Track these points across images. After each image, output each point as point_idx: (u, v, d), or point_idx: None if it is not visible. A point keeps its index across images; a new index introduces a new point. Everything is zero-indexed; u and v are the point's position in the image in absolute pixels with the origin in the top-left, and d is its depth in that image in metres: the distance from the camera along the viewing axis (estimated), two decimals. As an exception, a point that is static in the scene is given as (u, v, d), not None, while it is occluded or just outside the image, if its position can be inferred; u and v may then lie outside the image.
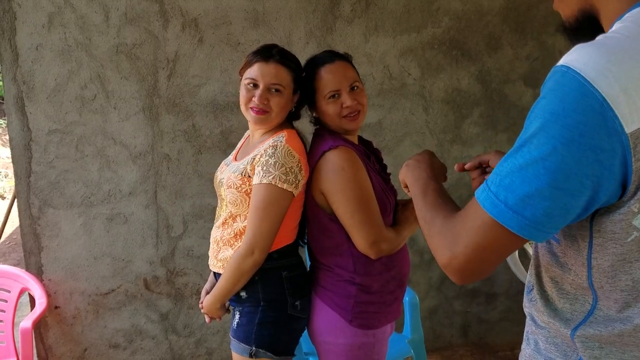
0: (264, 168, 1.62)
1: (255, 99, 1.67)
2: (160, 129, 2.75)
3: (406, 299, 2.48)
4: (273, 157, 1.62)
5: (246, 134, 1.95)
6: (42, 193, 2.70)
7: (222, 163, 1.88)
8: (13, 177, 3.01)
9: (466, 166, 1.30)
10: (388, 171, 1.91)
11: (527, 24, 3.01)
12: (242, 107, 1.73)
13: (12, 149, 2.68)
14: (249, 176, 1.67)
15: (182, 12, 2.70)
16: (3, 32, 2.58)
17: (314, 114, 1.78)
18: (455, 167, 1.34)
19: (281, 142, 1.65)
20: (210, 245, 1.83)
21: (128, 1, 2.65)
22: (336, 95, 1.70)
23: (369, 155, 1.83)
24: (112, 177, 2.74)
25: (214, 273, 1.83)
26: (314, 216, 1.74)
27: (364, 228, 1.63)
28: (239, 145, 1.91)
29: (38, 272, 2.74)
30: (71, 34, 2.64)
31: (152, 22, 2.68)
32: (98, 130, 2.71)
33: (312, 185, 1.70)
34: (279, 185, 1.61)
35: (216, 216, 1.84)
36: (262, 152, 1.66)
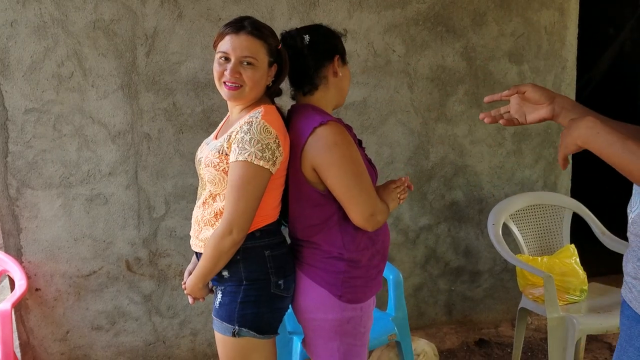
0: (240, 145, 1.58)
1: (227, 73, 1.62)
2: (140, 107, 2.69)
3: (390, 277, 2.48)
4: (248, 134, 1.58)
5: (229, 113, 1.91)
6: (20, 173, 2.64)
7: (203, 142, 1.83)
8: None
9: (503, 94, 1.41)
10: (363, 145, 1.89)
11: (512, 0, 2.98)
12: (216, 83, 1.68)
13: (-13, 129, 2.61)
14: (226, 154, 1.63)
15: (160, -14, 2.63)
16: (-25, 8, 2.50)
17: (339, 74, 1.74)
18: (486, 99, 1.48)
19: (257, 118, 1.60)
20: (192, 226, 1.79)
21: (104, -25, 2.57)
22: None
23: (350, 129, 1.80)
24: (91, 157, 2.69)
25: (196, 253, 1.81)
26: (302, 193, 1.71)
27: (362, 201, 1.63)
28: (220, 124, 1.87)
29: (17, 254, 2.69)
30: (47, 10, 2.56)
31: (130, -3, 2.61)
32: (76, 109, 2.65)
33: (301, 162, 1.66)
34: (254, 163, 1.56)
35: (197, 196, 1.80)
36: (238, 128, 1.61)
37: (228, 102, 1.74)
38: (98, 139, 2.68)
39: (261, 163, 1.57)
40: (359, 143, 1.82)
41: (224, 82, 1.64)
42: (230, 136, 1.63)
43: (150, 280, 2.84)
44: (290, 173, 1.70)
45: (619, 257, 2.55)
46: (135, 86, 2.68)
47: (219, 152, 1.65)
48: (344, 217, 1.70)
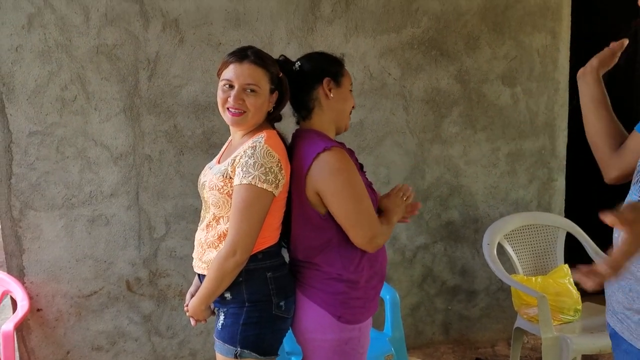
0: (244, 169, 1.64)
1: (230, 100, 1.68)
2: (142, 129, 2.75)
3: (387, 297, 2.51)
4: (252, 158, 1.63)
5: (230, 137, 1.96)
6: (23, 195, 2.69)
7: (206, 167, 1.88)
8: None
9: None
10: (364, 170, 1.94)
11: (504, 24, 3.06)
12: (220, 109, 1.74)
13: (-9, 151, 2.66)
14: (230, 177, 1.68)
15: (162, 12, 2.70)
16: (-19, 34, 2.57)
17: (330, 96, 1.77)
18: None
19: (260, 142, 1.66)
20: (195, 248, 1.83)
21: (108, 2, 2.64)
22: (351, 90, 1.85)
23: (352, 153, 1.86)
24: (93, 178, 2.73)
25: (199, 275, 1.84)
26: (304, 215, 1.76)
27: (363, 225, 1.69)
28: (222, 149, 1.92)
29: (20, 275, 2.72)
30: (51, 35, 2.63)
31: (133, 23, 2.68)
32: (79, 131, 2.70)
33: (305, 185, 1.71)
34: (258, 186, 1.62)
35: (201, 219, 1.84)
36: (242, 152, 1.67)
37: (231, 128, 1.79)
38: (100, 161, 2.73)
39: (264, 186, 1.62)
40: (360, 167, 1.87)
41: (228, 108, 1.70)
42: (235, 160, 1.68)
43: (150, 300, 2.87)
44: (294, 195, 1.75)
45: (612, 276, 2.61)
46: (137, 109, 2.73)
47: (223, 175, 1.69)
48: (344, 239, 1.74)
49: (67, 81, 2.67)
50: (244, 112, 1.69)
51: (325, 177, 1.68)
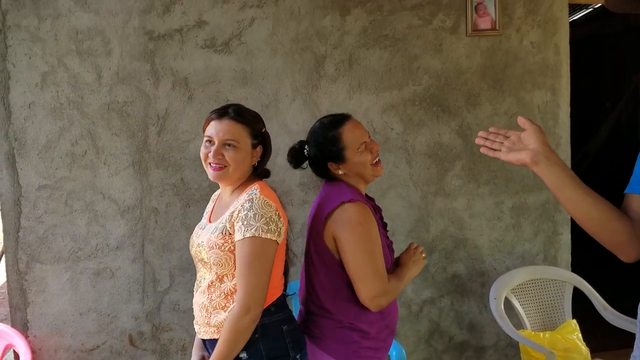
0: (245, 222, 1.65)
1: (210, 155, 1.74)
2: (149, 183, 2.80)
3: (393, 353, 2.48)
4: (251, 210, 1.65)
5: (214, 196, 1.98)
6: (30, 248, 2.71)
7: (197, 228, 1.88)
8: (1, 232, 3.02)
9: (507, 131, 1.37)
10: (387, 229, 2.01)
11: (504, 82, 3.14)
12: (203, 164, 1.80)
13: (1, 205, 2.71)
14: (230, 234, 1.69)
15: (172, 71, 2.80)
16: (-3, 91, 2.66)
17: (340, 172, 1.85)
18: (491, 129, 1.46)
19: (256, 194, 1.69)
20: (196, 314, 1.80)
21: (120, 61, 2.75)
22: (366, 143, 1.85)
23: (377, 211, 1.92)
24: (99, 231, 2.76)
25: (204, 341, 1.81)
26: (320, 258, 1.80)
27: (369, 282, 1.71)
28: (210, 208, 1.93)
29: (23, 328, 2.71)
30: (63, 93, 2.72)
31: (144, 81, 2.78)
32: (87, 185, 2.75)
33: (324, 228, 1.77)
34: (262, 236, 1.63)
35: (197, 283, 1.83)
36: (240, 207, 1.68)
37: (219, 184, 1.85)
38: (108, 214, 2.77)
39: (268, 236, 1.64)
40: (384, 226, 1.92)
41: (209, 164, 1.76)
42: (232, 216, 1.69)
43: (152, 355, 2.84)
44: (312, 238, 1.82)
45: (622, 332, 2.57)
46: (146, 163, 2.79)
47: (222, 233, 1.70)
48: (352, 302, 1.78)
49: (78, 136, 2.74)
50: (225, 166, 1.74)
51: (345, 225, 1.74)
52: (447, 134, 3.09)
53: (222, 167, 1.73)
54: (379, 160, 1.89)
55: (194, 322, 1.83)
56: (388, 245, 1.88)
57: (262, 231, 1.64)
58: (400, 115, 3.03)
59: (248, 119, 1.78)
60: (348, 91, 2.96)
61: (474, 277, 3.18)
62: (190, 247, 1.86)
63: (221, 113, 1.77)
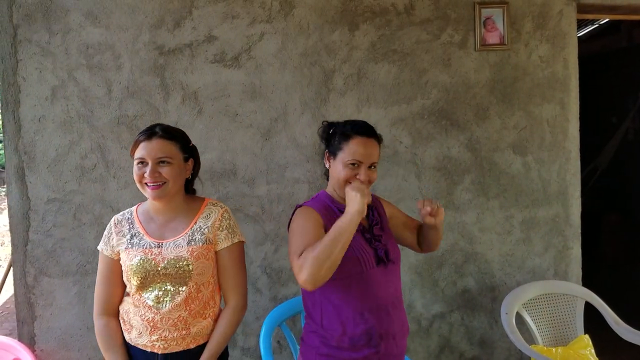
0: (230, 230, 1.88)
1: (147, 175, 1.78)
2: (158, 197, 2.79)
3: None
4: (230, 220, 1.89)
5: (136, 215, 1.93)
6: (38, 262, 2.71)
7: (143, 249, 1.83)
8: (9, 245, 3.02)
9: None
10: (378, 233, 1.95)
11: (513, 95, 3.14)
12: (138, 186, 1.84)
13: (10, 218, 2.71)
14: (211, 243, 1.84)
15: (182, 85, 2.81)
16: (7, 105, 2.68)
17: (327, 165, 1.92)
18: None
19: (223, 207, 1.92)
20: (169, 330, 1.81)
21: (130, 76, 2.76)
22: (356, 165, 1.83)
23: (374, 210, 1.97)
24: (108, 245, 2.75)
25: (168, 354, 1.83)
26: None
27: (294, 265, 1.69)
28: (141, 228, 1.88)
29: (30, 342, 2.70)
30: (73, 106, 2.74)
31: (154, 95, 2.79)
32: (96, 198, 2.75)
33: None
34: (242, 239, 1.92)
35: (159, 300, 1.80)
36: (219, 218, 1.87)
37: (154, 206, 1.88)
38: (116, 228, 2.76)
39: (243, 238, 1.94)
40: (375, 223, 1.92)
41: (146, 184, 1.80)
42: (213, 226, 1.84)
43: (160, 370, 2.81)
44: None
45: (636, 347, 2.53)
46: (154, 177, 2.79)
47: (205, 243, 1.83)
48: (323, 292, 1.81)
49: (87, 150, 2.75)
50: (164, 183, 1.79)
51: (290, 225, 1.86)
52: (456, 148, 3.08)
53: (160, 184, 1.79)
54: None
55: (152, 339, 1.81)
56: (368, 244, 1.86)
57: (241, 236, 1.92)
58: (409, 128, 3.02)
59: (176, 135, 1.87)
60: (357, 105, 2.97)
61: (485, 291, 3.15)
62: (149, 268, 1.81)
63: (149, 134, 1.82)
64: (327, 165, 1.93)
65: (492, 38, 3.08)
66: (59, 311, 2.72)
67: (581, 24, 5.49)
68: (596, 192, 5.20)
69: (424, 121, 3.04)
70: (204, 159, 2.82)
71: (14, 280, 2.71)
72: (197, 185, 2.05)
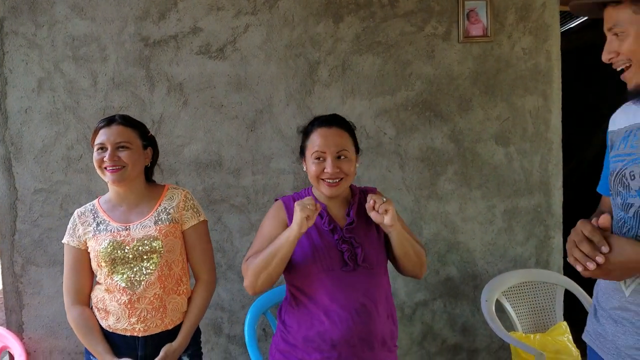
0: (194, 210, 1.98)
1: (106, 159, 1.83)
2: (144, 187, 2.83)
3: None
4: (193, 201, 2.00)
5: (99, 206, 1.96)
6: (26, 251, 2.74)
7: (110, 233, 1.88)
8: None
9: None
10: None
11: (496, 87, 3.17)
12: (98, 171, 1.89)
13: (-3, 208, 2.74)
14: (177, 222, 1.91)
15: (167, 77, 2.84)
16: (-6, 96, 2.70)
17: (304, 169, 1.89)
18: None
19: (184, 190, 2.02)
20: (148, 315, 1.87)
21: (116, 67, 2.79)
22: (321, 159, 1.77)
23: (322, 215, 1.83)
24: (95, 234, 2.79)
25: (140, 337, 1.88)
26: None
27: (242, 264, 1.82)
28: (106, 216, 1.92)
29: (19, 330, 2.74)
30: (60, 98, 2.76)
31: (139, 87, 2.82)
32: (82, 189, 2.79)
33: None
34: (206, 219, 2.03)
35: (131, 281, 1.85)
36: (182, 199, 1.96)
37: (116, 192, 1.92)
38: (102, 218, 2.80)
39: (206, 217, 2.04)
40: (351, 223, 1.85)
41: (105, 168, 1.85)
42: (178, 206, 1.93)
43: (147, 357, 2.86)
44: None
45: (612, 333, 2.58)
46: (140, 167, 2.82)
47: (171, 222, 1.90)
48: (289, 288, 1.85)
49: (74, 141, 2.78)
50: (123, 167, 1.85)
51: None
52: (439, 139, 3.12)
53: (119, 168, 1.84)
54: (336, 182, 1.76)
55: (132, 322, 1.86)
56: (337, 243, 1.77)
57: (204, 216, 2.01)
58: (393, 120, 3.06)
59: (135, 123, 1.94)
60: (341, 96, 3.00)
61: (467, 280, 3.21)
62: (118, 249, 1.85)
63: (109, 121, 1.89)
64: (304, 168, 1.87)
65: (476, 30, 3.12)
66: (46, 299, 2.76)
67: (566, 16, 5.51)
68: (585, 183, 5.25)
69: (407, 112, 3.08)
70: (189, 149, 2.86)
71: (2, 269, 2.75)
72: (157, 175, 2.12)
